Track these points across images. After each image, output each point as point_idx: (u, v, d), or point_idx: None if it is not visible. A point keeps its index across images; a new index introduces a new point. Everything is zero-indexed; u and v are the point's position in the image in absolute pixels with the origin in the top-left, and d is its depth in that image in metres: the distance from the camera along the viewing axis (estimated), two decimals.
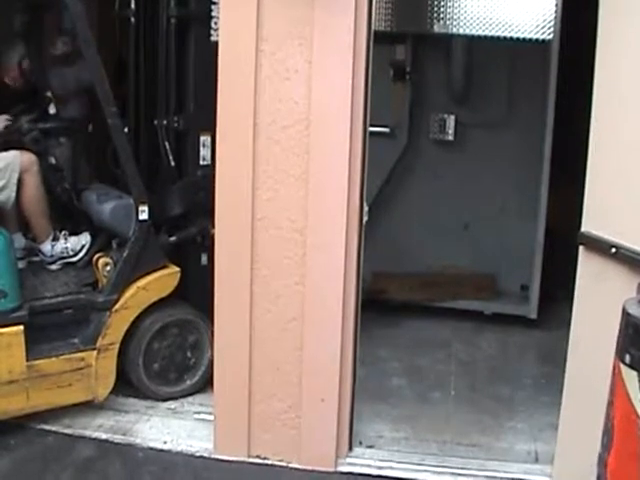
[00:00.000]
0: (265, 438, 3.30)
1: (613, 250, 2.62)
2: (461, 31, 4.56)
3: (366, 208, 3.21)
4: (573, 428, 2.87)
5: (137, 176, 3.56)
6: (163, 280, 3.66)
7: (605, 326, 2.34)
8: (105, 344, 3.53)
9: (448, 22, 4.55)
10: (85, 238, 3.91)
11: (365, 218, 3.21)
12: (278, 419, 3.28)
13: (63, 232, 3.88)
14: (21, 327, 3.30)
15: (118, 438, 3.44)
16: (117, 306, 3.55)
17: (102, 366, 3.53)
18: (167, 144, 3.73)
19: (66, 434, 3.44)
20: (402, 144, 4.94)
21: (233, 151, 3.12)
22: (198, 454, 3.36)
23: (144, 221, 3.57)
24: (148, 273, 3.62)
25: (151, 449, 3.38)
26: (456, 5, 4.52)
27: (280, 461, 3.30)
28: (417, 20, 4.64)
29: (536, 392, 3.98)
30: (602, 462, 1.63)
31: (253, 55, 3.02)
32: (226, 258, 3.19)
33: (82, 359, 3.49)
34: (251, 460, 3.31)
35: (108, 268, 3.62)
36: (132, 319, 3.60)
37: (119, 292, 3.56)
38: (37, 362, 3.37)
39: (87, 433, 3.45)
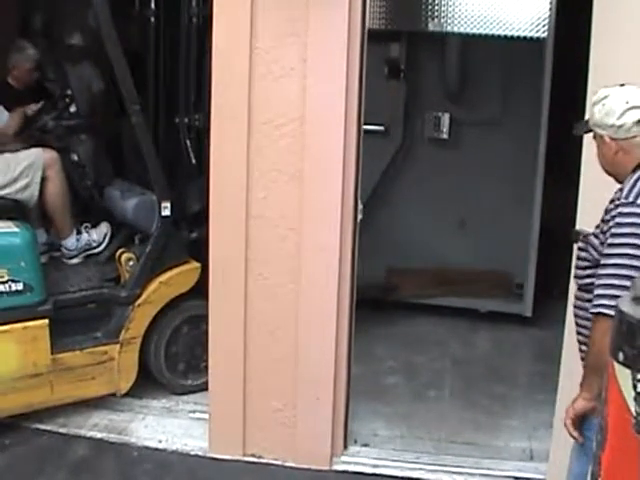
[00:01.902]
0: (260, 437, 3.31)
1: None
2: (456, 29, 4.56)
3: (360, 206, 3.22)
4: None
5: (160, 173, 3.59)
6: (184, 275, 3.70)
7: None
8: (128, 338, 3.58)
9: (443, 20, 4.55)
10: (106, 227, 3.97)
11: (360, 216, 3.21)
12: (273, 418, 3.28)
13: (84, 225, 3.93)
14: (46, 321, 3.35)
15: (113, 437, 3.44)
16: (140, 300, 3.59)
17: (125, 359, 3.58)
18: (188, 141, 3.75)
19: (61, 433, 3.44)
20: (397, 142, 4.94)
21: (228, 149, 3.12)
22: (193, 453, 3.36)
23: (166, 217, 3.60)
24: (170, 268, 3.67)
25: (146, 448, 3.38)
26: (451, 3, 4.52)
27: (275, 460, 3.30)
28: (412, 18, 4.64)
29: (531, 390, 3.99)
30: (596, 460, 1.63)
31: (247, 53, 3.02)
32: (221, 256, 3.19)
33: (105, 352, 3.53)
34: (246, 459, 3.31)
35: (131, 263, 3.66)
36: (154, 313, 3.65)
37: (142, 287, 3.60)
38: (61, 355, 3.41)
39: (82, 432, 3.45)
